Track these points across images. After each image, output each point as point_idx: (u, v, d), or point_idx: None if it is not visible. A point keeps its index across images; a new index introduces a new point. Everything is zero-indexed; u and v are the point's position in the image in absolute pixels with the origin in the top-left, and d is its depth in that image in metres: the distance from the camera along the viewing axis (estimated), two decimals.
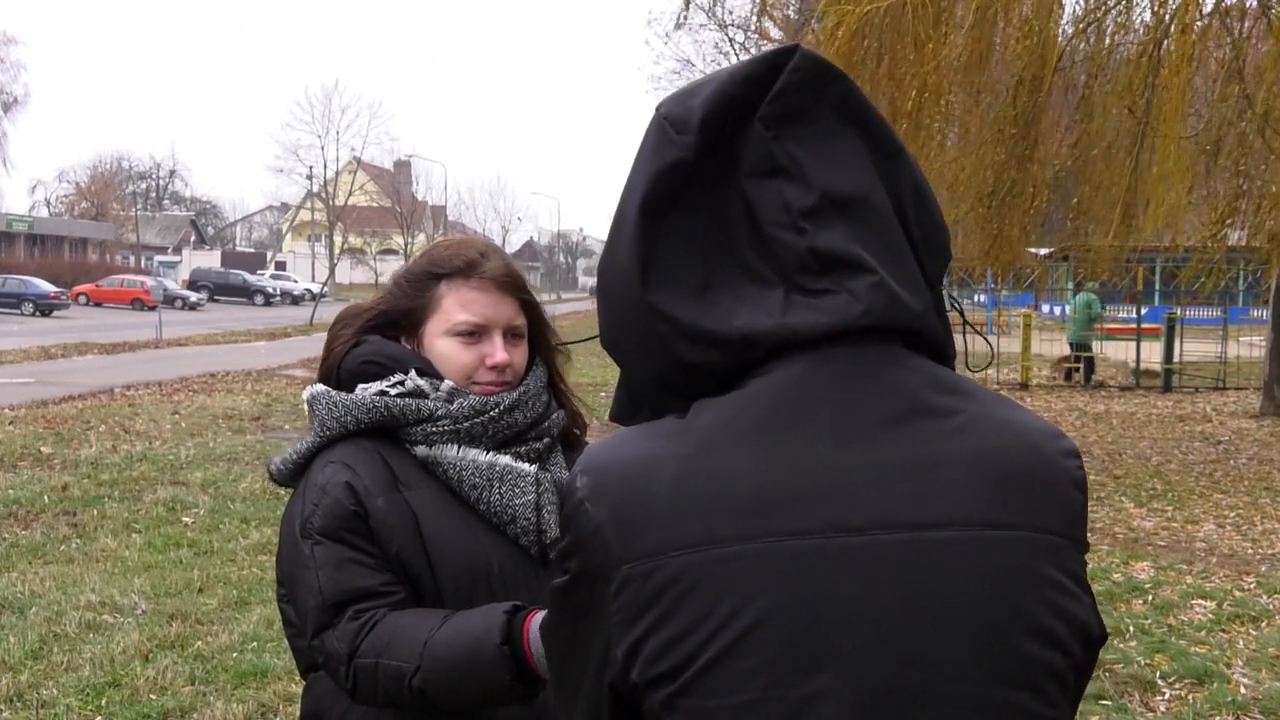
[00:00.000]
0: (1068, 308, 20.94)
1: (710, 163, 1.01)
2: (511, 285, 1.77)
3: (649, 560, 0.92)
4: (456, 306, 1.74)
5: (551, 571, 1.67)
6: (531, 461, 1.73)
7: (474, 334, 1.74)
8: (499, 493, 1.68)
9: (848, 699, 0.89)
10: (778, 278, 0.99)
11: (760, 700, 0.89)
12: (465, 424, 1.69)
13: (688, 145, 1.01)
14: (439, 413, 1.68)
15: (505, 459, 1.70)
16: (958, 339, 1.13)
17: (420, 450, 1.69)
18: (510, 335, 1.76)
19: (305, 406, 1.76)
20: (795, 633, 0.90)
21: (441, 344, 1.74)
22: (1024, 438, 1.00)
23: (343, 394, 1.71)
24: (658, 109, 1.05)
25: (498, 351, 1.73)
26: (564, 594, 1.01)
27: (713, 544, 0.92)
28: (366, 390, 1.70)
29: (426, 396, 1.70)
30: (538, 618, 1.48)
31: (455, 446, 1.68)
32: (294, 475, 1.76)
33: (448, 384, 1.71)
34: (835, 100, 1.02)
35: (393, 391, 1.69)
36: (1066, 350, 19.86)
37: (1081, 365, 19.45)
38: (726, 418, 0.97)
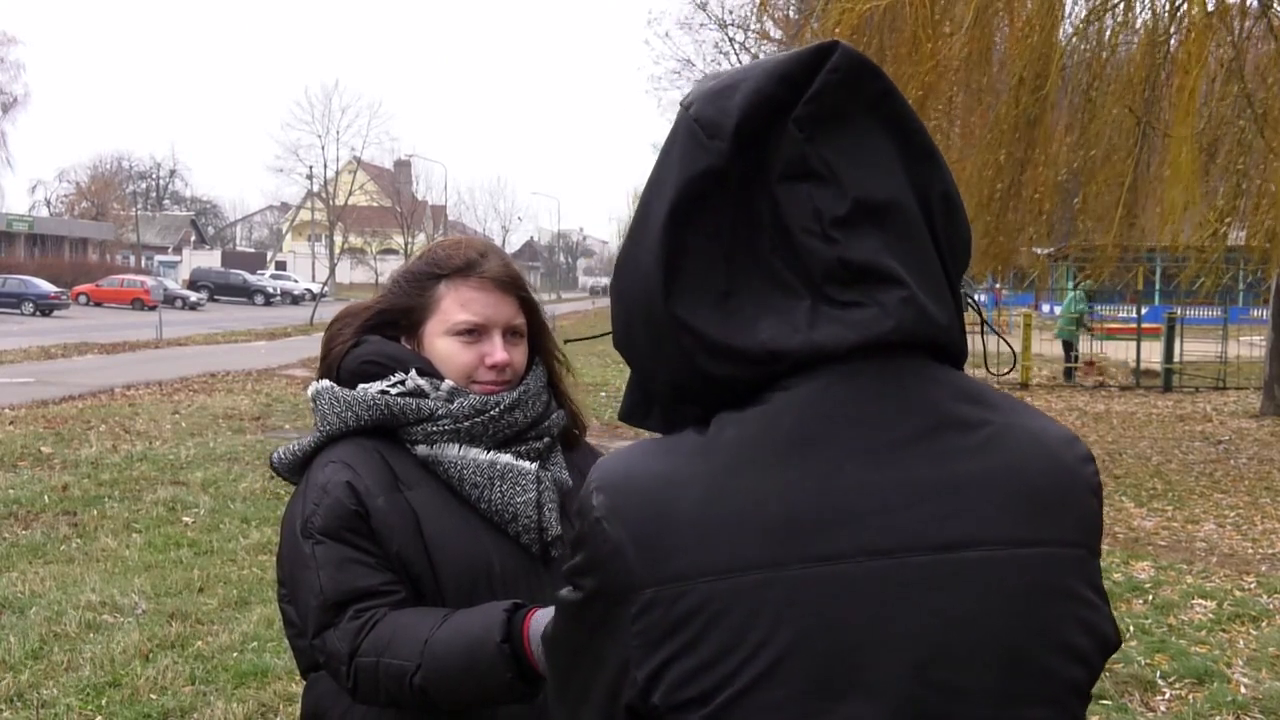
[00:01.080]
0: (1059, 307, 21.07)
1: (739, 163, 0.97)
2: (511, 285, 1.77)
3: (674, 585, 0.90)
4: (456, 306, 1.74)
5: (553, 570, 1.68)
6: (532, 460, 1.73)
7: (474, 333, 1.73)
8: (500, 491, 1.67)
9: None
10: (805, 288, 0.96)
11: None
12: (465, 423, 1.68)
13: (720, 151, 0.96)
14: (439, 412, 1.68)
15: (506, 457, 1.69)
16: (975, 340, 1.12)
17: (421, 450, 1.69)
18: (510, 335, 1.76)
19: (310, 402, 1.76)
20: (826, 661, 0.89)
21: (441, 344, 1.74)
22: (1047, 448, 0.99)
23: (345, 390, 1.71)
24: (687, 108, 1.00)
25: (497, 351, 1.73)
26: (575, 609, 0.99)
27: (742, 570, 0.89)
28: (367, 390, 1.70)
29: (427, 396, 1.69)
30: (538, 615, 1.48)
31: (456, 446, 1.68)
32: (294, 469, 1.76)
33: (448, 383, 1.71)
34: (871, 99, 0.98)
35: (393, 391, 1.69)
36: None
37: (1076, 362, 19.58)
38: (752, 436, 0.94)
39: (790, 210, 0.96)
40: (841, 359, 0.95)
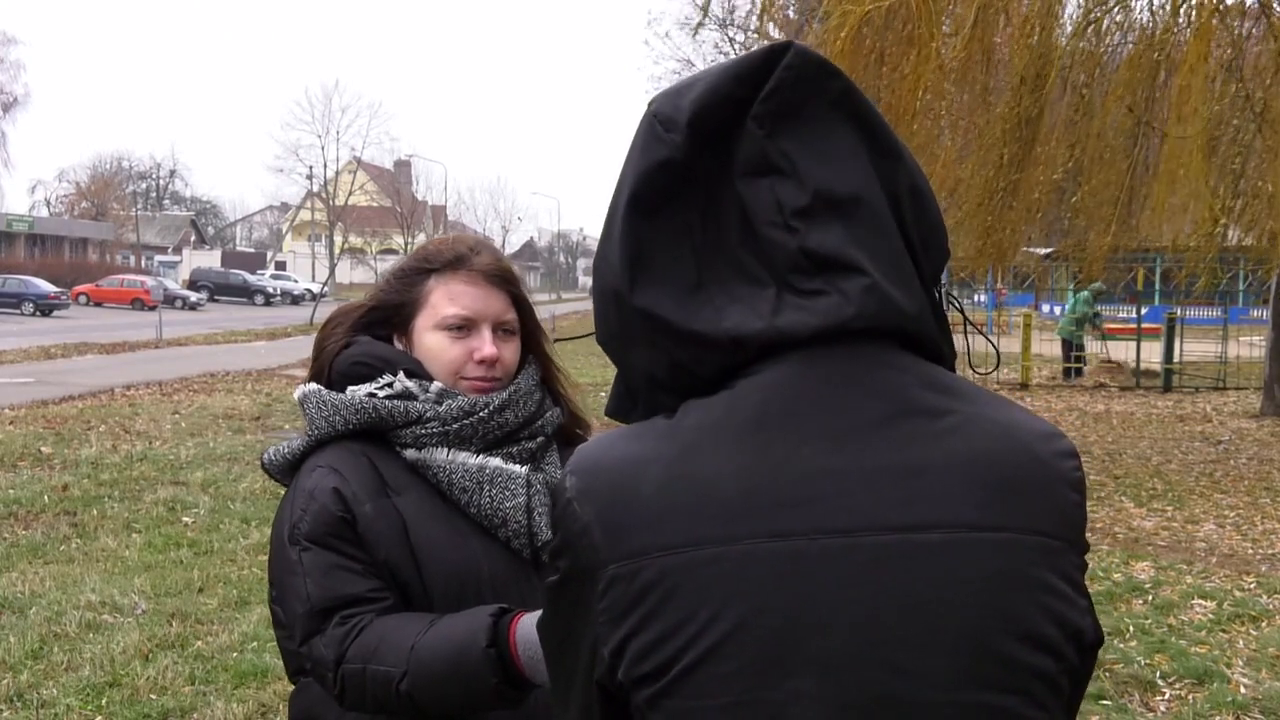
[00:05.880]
0: (1064, 307, 21.06)
1: (704, 162, 1.00)
2: (501, 279, 1.76)
3: (633, 561, 0.92)
4: (445, 300, 1.72)
5: (544, 573, 1.68)
6: (523, 462, 1.71)
7: (463, 328, 1.72)
8: (489, 496, 1.66)
9: (827, 703, 0.89)
10: (770, 277, 0.98)
11: (740, 703, 0.89)
12: (454, 425, 1.67)
13: (676, 144, 1.00)
14: (428, 414, 1.67)
15: (496, 461, 1.68)
16: (959, 340, 1.11)
17: (410, 453, 1.68)
18: (500, 331, 1.75)
19: (298, 405, 1.75)
20: (774, 636, 0.89)
21: (431, 338, 1.73)
22: (1017, 439, 0.98)
23: (332, 393, 1.70)
24: (649, 105, 1.05)
25: (486, 345, 1.71)
26: (555, 592, 1.02)
27: (694, 546, 0.91)
28: (356, 392, 1.69)
29: (415, 398, 1.68)
30: (524, 619, 1.47)
31: (445, 449, 1.67)
32: (284, 471, 1.75)
33: (437, 385, 1.70)
34: (832, 97, 1.01)
35: (381, 394, 1.68)
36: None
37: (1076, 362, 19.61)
38: (714, 419, 0.96)
39: (753, 204, 0.99)
40: (805, 345, 0.96)
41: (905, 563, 0.91)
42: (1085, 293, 19.51)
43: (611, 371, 1.12)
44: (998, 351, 1.47)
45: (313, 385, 1.74)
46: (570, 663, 1.00)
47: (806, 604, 0.90)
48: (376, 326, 1.78)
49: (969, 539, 0.93)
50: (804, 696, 0.89)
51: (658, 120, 1.02)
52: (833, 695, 0.89)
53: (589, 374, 15.96)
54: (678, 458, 0.95)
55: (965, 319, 1.23)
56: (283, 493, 1.74)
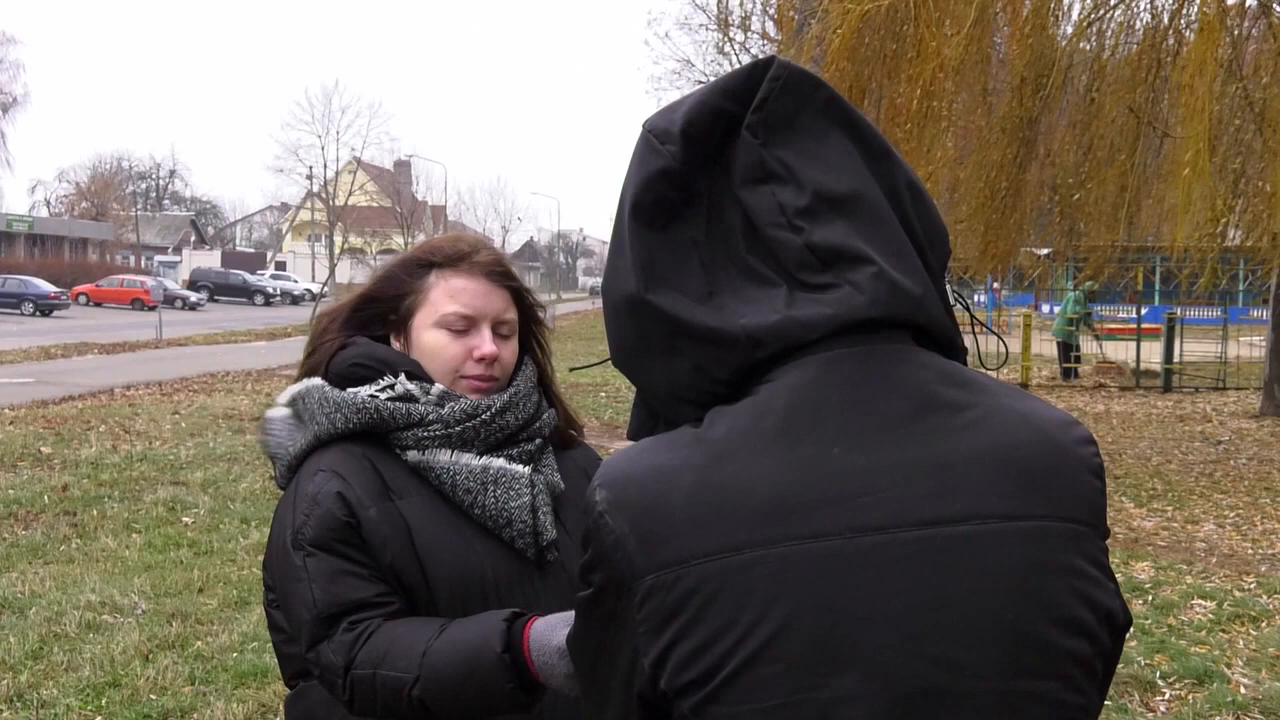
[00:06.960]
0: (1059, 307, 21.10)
1: (704, 175, 1.03)
2: (502, 276, 1.75)
3: (671, 570, 0.93)
4: (445, 297, 1.71)
5: (548, 575, 1.68)
6: (524, 463, 1.71)
7: (463, 326, 1.71)
8: (494, 497, 1.65)
9: (874, 700, 0.90)
10: (780, 276, 1.00)
11: (787, 705, 0.90)
12: (456, 428, 1.66)
13: (672, 153, 1.03)
14: (430, 417, 1.66)
15: (499, 462, 1.67)
16: (967, 338, 1.13)
17: (412, 456, 1.66)
18: (500, 329, 1.74)
19: (299, 400, 1.72)
20: (818, 636, 0.90)
21: (429, 336, 1.72)
22: (1038, 428, 1.00)
23: (335, 390, 1.68)
24: (643, 125, 1.08)
25: (485, 343, 1.70)
26: (589, 606, 1.02)
27: (732, 551, 0.92)
28: (357, 393, 1.67)
29: (417, 400, 1.67)
30: (538, 624, 1.47)
31: (447, 451, 1.66)
32: (285, 473, 1.73)
33: (438, 388, 1.68)
34: (819, 106, 1.04)
35: (382, 396, 1.66)
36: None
37: (1071, 361, 19.63)
38: (741, 426, 0.97)
39: (756, 210, 1.01)
40: (823, 344, 0.98)
41: (940, 556, 0.93)
42: (1078, 292, 19.52)
43: (613, 371, 1.12)
44: (1006, 348, 1.49)
45: (316, 380, 1.71)
46: (605, 676, 1.01)
47: (847, 602, 0.91)
48: (372, 324, 1.76)
49: (1000, 529, 0.94)
50: (849, 694, 0.90)
51: (653, 135, 1.06)
52: (878, 691, 0.90)
53: (590, 374, 15.94)
54: (708, 465, 0.96)
55: (974, 318, 1.24)
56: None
